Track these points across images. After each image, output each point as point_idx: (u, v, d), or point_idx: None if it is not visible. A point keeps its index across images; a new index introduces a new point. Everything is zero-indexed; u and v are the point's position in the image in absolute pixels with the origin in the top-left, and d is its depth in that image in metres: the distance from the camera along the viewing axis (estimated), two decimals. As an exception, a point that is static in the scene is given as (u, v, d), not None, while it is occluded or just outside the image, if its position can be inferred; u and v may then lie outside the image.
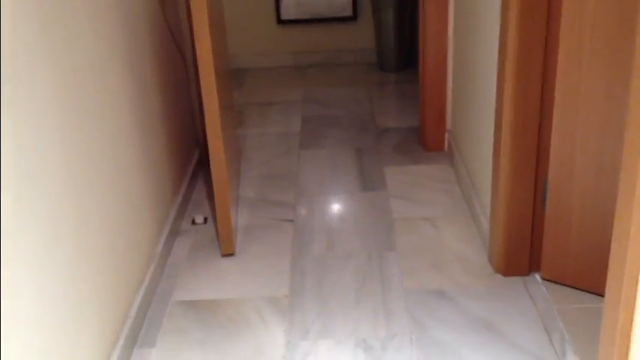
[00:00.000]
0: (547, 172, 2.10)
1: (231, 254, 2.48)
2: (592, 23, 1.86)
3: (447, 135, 3.20)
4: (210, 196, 2.87)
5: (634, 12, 1.74)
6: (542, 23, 1.98)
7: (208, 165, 2.40)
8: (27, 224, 1.45)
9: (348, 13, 4.53)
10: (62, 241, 1.62)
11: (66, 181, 1.66)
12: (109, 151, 1.98)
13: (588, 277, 2.09)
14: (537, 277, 2.22)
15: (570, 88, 1.96)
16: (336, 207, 2.86)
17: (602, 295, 2.07)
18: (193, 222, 2.74)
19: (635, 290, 1.20)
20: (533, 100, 2.06)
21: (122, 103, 2.12)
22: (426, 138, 3.25)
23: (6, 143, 1.37)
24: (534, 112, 2.07)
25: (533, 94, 2.06)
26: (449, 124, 3.19)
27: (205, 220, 2.75)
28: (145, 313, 2.17)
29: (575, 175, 2.03)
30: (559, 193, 2.08)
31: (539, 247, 2.20)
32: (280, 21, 4.56)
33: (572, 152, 2.02)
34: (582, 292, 2.11)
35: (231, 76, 3.67)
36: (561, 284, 2.16)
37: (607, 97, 1.90)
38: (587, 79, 1.92)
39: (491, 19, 2.25)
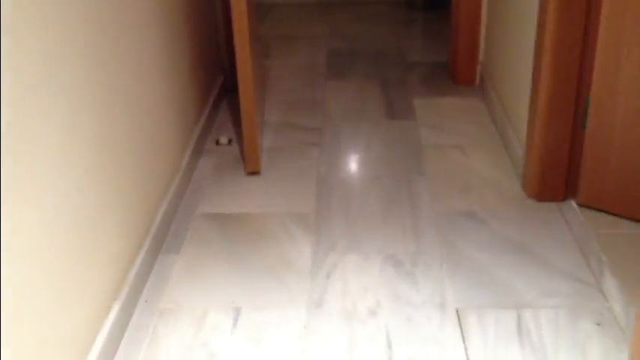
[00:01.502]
0: (589, 91, 2.02)
1: (257, 172, 2.43)
2: None
3: (478, 68, 3.11)
4: (235, 121, 2.81)
5: None
6: None
7: (232, 91, 2.33)
8: (52, 117, 1.39)
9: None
10: (87, 139, 1.57)
11: (92, 83, 1.60)
12: (136, 60, 1.92)
13: (628, 203, 2.02)
14: (573, 202, 2.14)
15: (618, 3, 1.86)
16: (363, 133, 2.79)
17: (642, 218, 2.01)
18: (217, 142, 2.68)
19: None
20: (577, 12, 1.96)
21: (150, 21, 2.05)
22: (457, 71, 3.15)
23: (34, 42, 1.31)
24: (579, 24, 1.98)
25: (578, 7, 1.96)
26: (481, 57, 3.10)
27: (230, 141, 2.69)
28: (170, 223, 2.13)
29: (619, 92, 1.94)
30: (601, 112, 2.00)
31: (576, 171, 2.13)
32: (307, -45, 4.44)
33: (617, 68, 1.93)
34: (621, 219, 2.04)
35: (257, 9, 3.58)
36: (598, 210, 2.09)
37: (660, 9, 1.80)
38: (639, -8, 1.82)
39: None
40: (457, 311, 1.75)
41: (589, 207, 2.11)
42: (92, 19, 1.60)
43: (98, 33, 1.64)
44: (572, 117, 2.09)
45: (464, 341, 1.65)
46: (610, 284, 1.80)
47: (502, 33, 2.70)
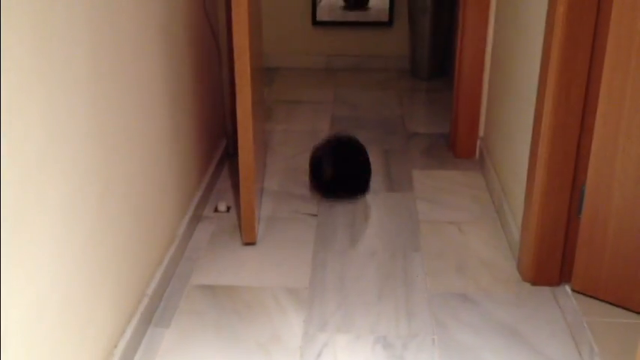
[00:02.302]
0: (584, 179, 2.04)
1: (253, 243, 2.43)
2: (644, 25, 1.80)
3: (478, 142, 3.14)
4: (235, 187, 2.83)
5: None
6: (590, 29, 1.92)
7: (234, 156, 2.36)
8: (50, 193, 1.41)
9: (385, 18, 4.50)
10: (84, 211, 1.58)
11: (93, 152, 1.62)
12: (139, 127, 1.95)
13: (622, 292, 2.02)
14: (567, 288, 2.14)
15: (614, 93, 1.90)
16: (360, 205, 2.80)
17: (636, 312, 2.00)
18: (216, 209, 2.70)
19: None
20: (574, 104, 2.00)
21: (156, 84, 2.09)
22: (457, 144, 3.19)
23: (38, 107, 1.34)
24: (575, 115, 2.01)
25: (576, 98, 1.99)
26: (481, 132, 3.13)
27: (228, 208, 2.70)
28: (163, 294, 2.13)
29: (615, 183, 1.96)
30: (596, 201, 2.01)
31: (571, 257, 2.13)
32: (316, 22, 4.54)
33: (613, 159, 1.95)
34: (614, 307, 2.03)
35: (263, 74, 3.65)
36: (593, 297, 2.08)
37: (654, 104, 1.83)
38: (633, 84, 1.85)
39: (534, 28, 2.19)
40: (446, 400, 1.73)
41: (584, 293, 2.10)
42: (95, 86, 1.63)
43: (101, 101, 1.66)
44: (568, 203, 2.10)
45: None
46: (602, 378, 1.78)
47: (502, 111, 2.73)
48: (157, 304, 2.06)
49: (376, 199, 2.83)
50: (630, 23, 1.82)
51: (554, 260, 2.16)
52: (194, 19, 2.58)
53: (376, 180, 2.98)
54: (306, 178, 2.97)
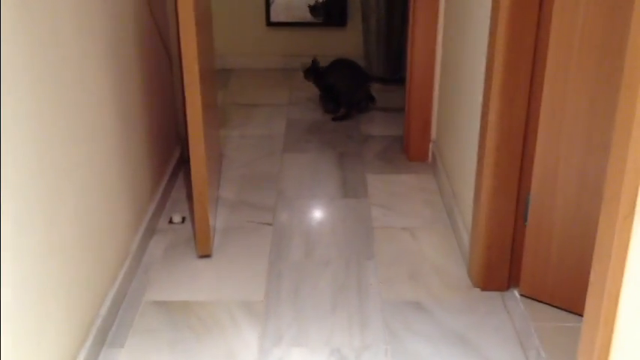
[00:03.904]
0: (529, 188, 2.09)
1: (208, 255, 2.44)
2: (579, 41, 1.85)
3: (431, 145, 3.19)
4: (190, 195, 2.81)
5: (619, 33, 1.73)
6: (531, 39, 1.97)
7: (189, 163, 2.36)
8: (-4, 216, 1.40)
9: (338, 19, 4.51)
10: (31, 233, 1.57)
11: (38, 170, 1.61)
12: (86, 143, 1.93)
13: (567, 296, 2.08)
14: (516, 292, 2.20)
15: (555, 104, 1.95)
16: (316, 212, 2.83)
17: (580, 315, 2.06)
18: (170, 221, 2.69)
19: (615, 311, 1.18)
20: (518, 115, 2.04)
21: (102, 97, 2.08)
22: (410, 147, 3.23)
23: None
24: (519, 126, 2.06)
25: (519, 109, 2.04)
26: (433, 135, 3.18)
27: (183, 219, 2.70)
28: (117, 312, 2.12)
29: (558, 191, 2.02)
30: (541, 209, 2.07)
31: (518, 262, 2.19)
32: (270, 23, 4.53)
33: (556, 168, 2.00)
34: (561, 311, 2.10)
35: (217, 76, 3.63)
36: (540, 301, 2.14)
37: (591, 115, 1.89)
38: (572, 96, 1.91)
39: (479, 32, 2.23)
40: (398, 411, 1.77)
41: (532, 298, 2.16)
42: (40, 103, 1.62)
43: (47, 118, 1.64)
44: (515, 211, 2.16)
45: None
46: (547, 383, 1.84)
47: (451, 115, 2.78)
48: (110, 323, 2.06)
49: (331, 205, 2.86)
50: (568, 37, 1.87)
51: (503, 266, 2.21)
52: (142, 26, 2.56)
53: (331, 185, 3.01)
54: (261, 184, 2.98)
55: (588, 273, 1.27)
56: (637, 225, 1.07)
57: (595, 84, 1.86)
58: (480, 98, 2.19)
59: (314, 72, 3.86)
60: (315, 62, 3.87)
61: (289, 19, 4.54)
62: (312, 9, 4.53)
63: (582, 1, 1.81)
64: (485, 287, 2.25)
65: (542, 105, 1.99)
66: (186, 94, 2.27)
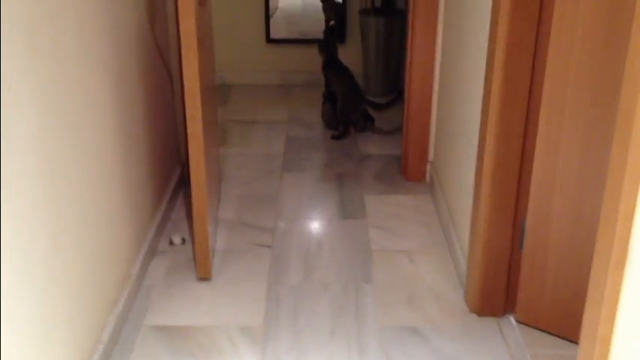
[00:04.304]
0: (525, 216, 2.12)
1: (208, 278, 2.47)
2: (575, 74, 1.88)
3: (428, 166, 3.22)
4: (190, 215, 2.84)
5: (614, 66, 1.77)
6: (528, 70, 2.00)
7: (189, 183, 2.39)
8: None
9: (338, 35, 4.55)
10: (35, 261, 1.60)
11: (42, 194, 1.64)
12: (89, 166, 1.96)
13: (562, 323, 2.11)
14: (512, 319, 2.23)
15: (552, 134, 1.98)
16: (314, 234, 2.86)
17: (575, 343, 2.09)
18: (171, 242, 2.72)
19: (609, 339, 1.20)
20: (514, 145, 2.08)
21: (105, 119, 2.11)
22: (407, 168, 3.26)
23: None
24: (515, 155, 2.09)
25: (516, 138, 2.07)
26: (431, 156, 3.21)
27: (183, 240, 2.73)
28: (118, 337, 2.15)
29: (553, 220, 2.05)
30: (536, 237, 2.10)
31: (515, 289, 2.22)
32: (270, 40, 4.57)
33: (551, 197, 2.04)
34: (556, 338, 2.12)
35: (217, 93, 3.67)
36: (535, 328, 2.17)
37: (586, 145, 1.92)
38: (568, 127, 1.94)
39: (477, 57, 2.27)
40: None
41: (527, 324, 2.19)
42: (44, 128, 1.64)
43: (50, 143, 1.67)
44: (511, 237, 2.19)
45: None
46: (542, 412, 1.86)
47: (449, 138, 2.81)
48: (111, 349, 2.08)
49: (329, 227, 2.89)
50: (564, 69, 1.90)
51: (499, 293, 2.24)
52: (144, 47, 2.59)
53: (330, 206, 3.04)
54: (260, 204, 3.01)
55: (583, 301, 1.30)
56: (628, 273, 1.10)
57: (589, 118, 1.89)
58: (477, 125, 2.23)
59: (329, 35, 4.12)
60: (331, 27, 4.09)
61: (289, 36, 4.58)
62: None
63: (578, 37, 1.85)
64: (481, 313, 2.27)
65: (539, 134, 2.02)
66: (187, 119, 2.29)
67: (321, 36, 4.35)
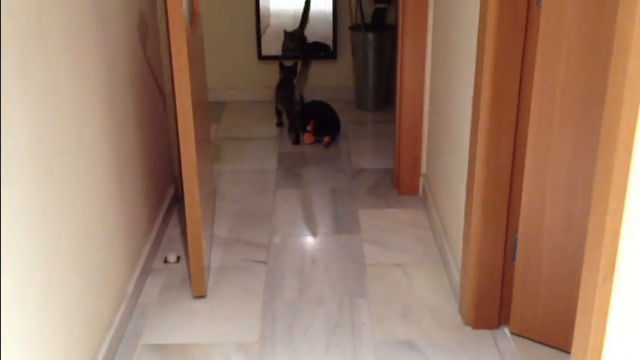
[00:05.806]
0: (517, 228, 2.14)
1: (203, 296, 2.47)
2: (562, 89, 1.91)
3: (421, 180, 3.24)
4: (185, 232, 2.85)
5: (600, 81, 1.79)
6: (516, 83, 2.03)
7: (184, 201, 2.40)
8: (-4, 274, 1.44)
9: (329, 51, 4.58)
10: (30, 279, 1.60)
11: (36, 214, 1.65)
12: (83, 186, 1.97)
13: (556, 334, 2.12)
14: (507, 331, 2.24)
15: (540, 147, 2.01)
16: (309, 249, 2.87)
17: (569, 353, 2.10)
18: (165, 260, 2.72)
19: (600, 350, 1.21)
20: (504, 157, 2.10)
21: (98, 138, 2.12)
22: (400, 181, 3.28)
23: None
24: (506, 168, 2.11)
25: (505, 152, 2.10)
26: (424, 169, 3.23)
27: (178, 258, 2.74)
28: (113, 356, 2.15)
29: (545, 231, 2.07)
30: (528, 248, 2.12)
31: (508, 301, 2.23)
32: (261, 57, 4.60)
33: (542, 209, 2.05)
34: (550, 349, 2.14)
35: (210, 110, 3.69)
36: (530, 339, 2.18)
37: (575, 158, 1.95)
38: (557, 140, 1.97)
39: (466, 71, 2.29)
40: None
41: (522, 336, 2.20)
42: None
43: (42, 168, 1.68)
44: (504, 250, 2.20)
45: None
46: (538, 423, 1.87)
47: (440, 151, 2.83)
48: (107, 368, 2.09)
49: (324, 241, 2.90)
50: (550, 84, 1.93)
51: (493, 305, 2.25)
52: (136, 68, 2.61)
53: (323, 221, 3.05)
54: (254, 220, 3.03)
55: (576, 311, 1.31)
56: (617, 285, 1.12)
57: (578, 130, 1.92)
58: (467, 138, 2.25)
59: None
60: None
61: (280, 53, 4.61)
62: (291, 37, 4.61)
63: (564, 50, 1.88)
64: (476, 326, 2.28)
65: (528, 149, 2.04)
66: (180, 137, 2.31)
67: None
